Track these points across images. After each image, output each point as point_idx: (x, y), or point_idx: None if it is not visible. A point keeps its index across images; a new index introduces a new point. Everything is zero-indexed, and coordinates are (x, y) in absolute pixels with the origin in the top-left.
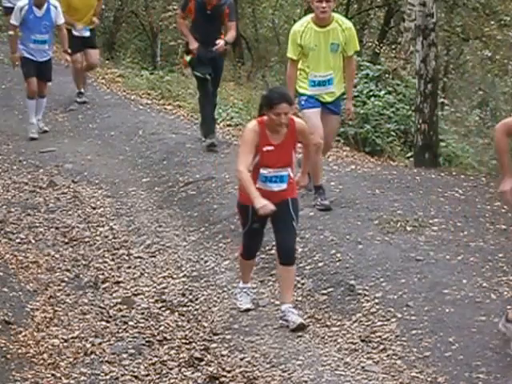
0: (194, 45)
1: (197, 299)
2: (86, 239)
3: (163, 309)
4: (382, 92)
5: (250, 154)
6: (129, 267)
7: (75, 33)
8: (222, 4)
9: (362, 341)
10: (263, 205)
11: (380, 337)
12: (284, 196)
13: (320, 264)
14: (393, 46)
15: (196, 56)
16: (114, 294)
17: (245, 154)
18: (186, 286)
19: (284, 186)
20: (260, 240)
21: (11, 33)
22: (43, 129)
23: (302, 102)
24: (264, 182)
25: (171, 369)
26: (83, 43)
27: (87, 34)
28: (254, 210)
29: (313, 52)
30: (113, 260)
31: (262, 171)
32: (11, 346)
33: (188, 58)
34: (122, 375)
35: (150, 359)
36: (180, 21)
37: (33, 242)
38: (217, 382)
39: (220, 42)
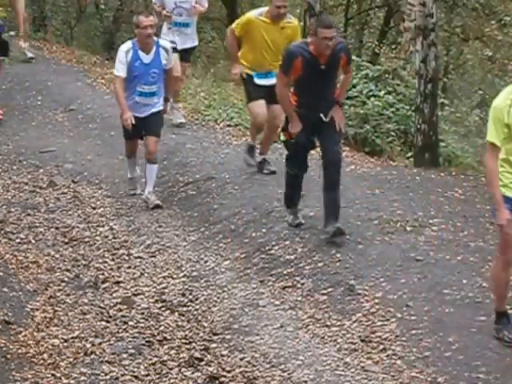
0: (296, 126)
1: (197, 299)
2: (86, 239)
3: (163, 309)
4: (382, 92)
5: None
6: (129, 267)
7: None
8: (337, 51)
9: (362, 341)
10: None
11: (380, 337)
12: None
13: (320, 264)
14: (393, 46)
15: (297, 140)
16: (114, 294)
17: None
18: (186, 286)
19: None
20: None
21: (117, 86)
22: (154, 203)
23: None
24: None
25: (171, 369)
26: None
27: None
28: None
29: None
30: (113, 260)
31: None
32: (11, 346)
33: (283, 138)
34: (122, 375)
35: (150, 359)
36: (282, 90)
37: (33, 241)
38: (217, 382)
39: (337, 112)
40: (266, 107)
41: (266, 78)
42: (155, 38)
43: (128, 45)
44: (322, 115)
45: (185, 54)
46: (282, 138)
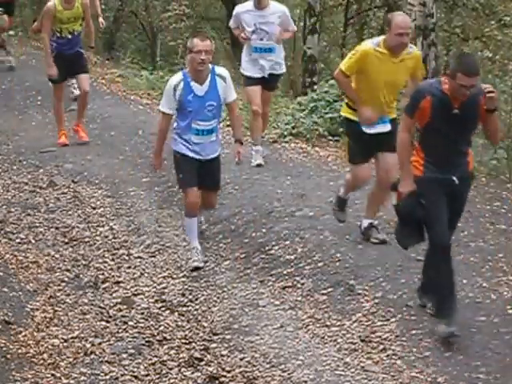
0: (407, 185)
1: (197, 299)
2: (86, 239)
3: (163, 309)
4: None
5: None
6: (129, 267)
7: None
8: (476, 94)
9: (362, 341)
10: None
11: (380, 337)
12: None
13: (320, 264)
14: None
15: (405, 205)
16: (114, 294)
17: None
18: (186, 286)
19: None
20: None
21: (162, 125)
22: (193, 265)
23: None
24: None
25: (171, 369)
26: None
27: None
28: None
29: None
30: (113, 260)
31: None
32: (11, 346)
33: (394, 201)
34: (122, 375)
35: (150, 359)
36: (404, 136)
37: (33, 241)
38: (217, 382)
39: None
40: (370, 168)
41: (378, 124)
42: (210, 65)
43: (178, 77)
44: (454, 178)
45: (269, 81)
46: (394, 201)
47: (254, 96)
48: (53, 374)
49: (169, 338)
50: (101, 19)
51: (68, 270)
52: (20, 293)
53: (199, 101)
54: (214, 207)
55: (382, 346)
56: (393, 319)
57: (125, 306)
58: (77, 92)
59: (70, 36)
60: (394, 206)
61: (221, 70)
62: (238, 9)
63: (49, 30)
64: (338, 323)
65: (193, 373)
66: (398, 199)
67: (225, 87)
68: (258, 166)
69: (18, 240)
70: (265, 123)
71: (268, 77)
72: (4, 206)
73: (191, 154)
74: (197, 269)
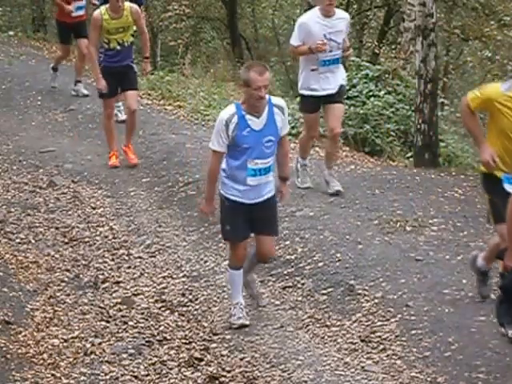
0: None
1: (197, 299)
2: (86, 239)
3: (163, 309)
4: (382, 92)
5: None
6: (129, 267)
7: None
8: None
9: (362, 341)
10: None
11: (380, 337)
12: None
13: (320, 264)
14: (393, 46)
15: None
16: (114, 294)
17: None
18: (186, 286)
19: None
20: None
21: (212, 164)
22: (239, 322)
23: None
24: None
25: (171, 369)
26: None
27: None
28: None
29: None
30: (113, 260)
31: None
32: (11, 346)
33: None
34: (122, 375)
35: (150, 359)
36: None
37: (33, 241)
38: (217, 382)
39: None
40: None
41: None
42: (267, 96)
43: (230, 110)
44: None
45: (338, 93)
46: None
47: (314, 123)
48: (53, 374)
49: (169, 337)
50: (147, 66)
51: (68, 270)
52: (20, 293)
53: (256, 136)
54: (272, 256)
55: (382, 346)
56: (393, 319)
57: (125, 306)
58: (121, 116)
59: (119, 47)
60: (499, 274)
61: (278, 101)
62: (304, 19)
63: (96, 41)
64: (338, 323)
65: (193, 373)
66: (504, 269)
67: (283, 120)
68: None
69: (17, 240)
70: (337, 145)
71: (337, 89)
72: (4, 206)
73: (242, 200)
74: (243, 326)
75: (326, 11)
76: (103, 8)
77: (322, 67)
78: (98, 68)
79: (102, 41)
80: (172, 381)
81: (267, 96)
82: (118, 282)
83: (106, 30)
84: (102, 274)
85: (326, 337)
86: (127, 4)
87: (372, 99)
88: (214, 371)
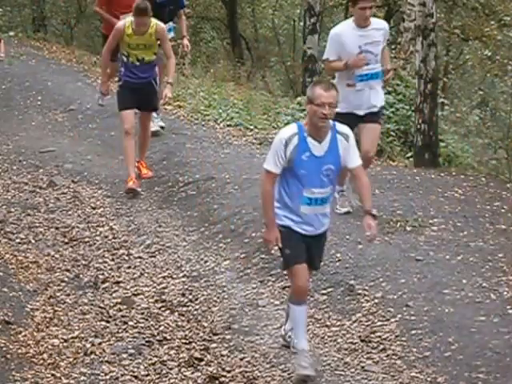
0: None
1: (197, 299)
2: (86, 239)
3: (163, 309)
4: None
5: None
6: (129, 267)
7: None
8: None
9: (362, 341)
10: None
11: (380, 337)
12: None
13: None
14: (393, 46)
15: None
16: (114, 294)
17: None
18: (186, 286)
19: None
20: None
21: (265, 185)
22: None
23: None
24: None
25: (171, 369)
26: None
27: None
28: None
29: None
30: (113, 260)
31: None
32: (11, 346)
33: None
34: (122, 375)
35: (150, 359)
36: None
37: (33, 241)
38: (217, 382)
39: None
40: None
41: None
42: (331, 121)
43: (292, 129)
44: None
45: (375, 112)
46: None
47: None
48: (53, 374)
49: (169, 337)
50: (186, 41)
51: (68, 270)
52: (20, 293)
53: (316, 162)
54: (308, 291)
55: (382, 346)
56: (393, 319)
57: (125, 306)
58: (155, 126)
59: (137, 63)
60: None
61: (343, 128)
62: (336, 30)
63: (111, 47)
64: (338, 323)
65: (193, 373)
66: None
67: (347, 148)
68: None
69: (17, 240)
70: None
71: (376, 108)
72: (4, 206)
73: (297, 229)
74: (307, 378)
75: (361, 21)
76: (129, 20)
77: (360, 83)
78: (105, 73)
79: (122, 53)
80: (172, 381)
81: (331, 121)
82: (117, 282)
83: (126, 44)
84: (102, 274)
85: (325, 337)
86: (154, 22)
87: None
88: (214, 371)
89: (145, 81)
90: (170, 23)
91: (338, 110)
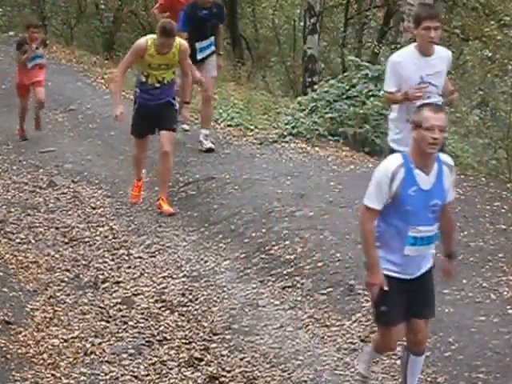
0: None
1: (197, 299)
2: (86, 239)
3: (163, 309)
4: (382, 92)
5: None
6: (129, 267)
7: None
8: None
9: (362, 341)
10: None
11: None
12: None
13: (320, 264)
14: (392, 46)
15: None
16: (114, 294)
17: None
18: (186, 286)
19: None
20: None
21: (369, 227)
22: None
23: None
24: None
25: (171, 369)
26: None
27: None
28: None
29: None
30: (113, 260)
31: None
32: (11, 346)
33: None
34: (122, 375)
35: (150, 359)
36: None
37: (33, 241)
38: (217, 382)
39: None
40: None
41: None
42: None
43: (397, 160)
44: None
45: None
46: None
47: None
48: (53, 374)
49: (169, 337)
50: (220, 61)
51: (68, 270)
52: (20, 293)
53: (423, 197)
54: (425, 343)
55: None
56: None
57: (125, 306)
58: (207, 144)
59: (157, 85)
60: None
61: (447, 158)
62: (397, 58)
63: (127, 67)
64: (338, 323)
65: (193, 373)
66: None
67: (450, 182)
68: None
69: (18, 240)
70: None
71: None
72: (4, 206)
73: (396, 274)
74: None
75: (425, 49)
76: (151, 39)
77: None
78: (119, 94)
79: (141, 73)
80: (172, 381)
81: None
82: (118, 282)
83: (147, 64)
84: (102, 274)
85: (325, 337)
86: (177, 41)
87: (372, 99)
88: (214, 371)
89: (164, 101)
90: (212, 38)
91: (393, 146)
